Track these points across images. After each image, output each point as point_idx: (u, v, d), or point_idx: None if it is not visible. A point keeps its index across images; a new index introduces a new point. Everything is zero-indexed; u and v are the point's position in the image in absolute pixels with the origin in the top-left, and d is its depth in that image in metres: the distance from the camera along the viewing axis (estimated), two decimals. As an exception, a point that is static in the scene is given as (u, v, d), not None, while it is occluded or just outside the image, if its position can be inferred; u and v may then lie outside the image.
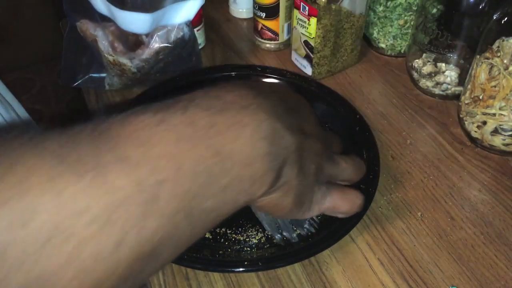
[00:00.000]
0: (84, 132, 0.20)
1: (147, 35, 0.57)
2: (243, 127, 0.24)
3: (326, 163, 0.34)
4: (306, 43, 0.63)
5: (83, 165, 0.19)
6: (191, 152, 0.22)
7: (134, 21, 0.56)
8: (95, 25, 0.58)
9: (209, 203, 0.23)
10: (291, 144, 0.28)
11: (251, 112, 0.25)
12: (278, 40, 0.72)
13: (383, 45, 0.70)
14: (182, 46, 0.59)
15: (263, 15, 0.69)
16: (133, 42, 0.59)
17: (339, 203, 0.35)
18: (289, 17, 0.70)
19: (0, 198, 0.17)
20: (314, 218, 0.45)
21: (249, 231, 0.47)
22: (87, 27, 0.59)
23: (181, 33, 0.57)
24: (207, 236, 0.46)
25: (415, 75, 0.64)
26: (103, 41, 0.58)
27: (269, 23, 0.70)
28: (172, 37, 0.57)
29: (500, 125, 0.52)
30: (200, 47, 0.73)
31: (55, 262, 0.17)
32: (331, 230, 0.45)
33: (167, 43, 0.57)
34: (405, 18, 0.66)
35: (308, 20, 0.60)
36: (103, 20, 0.58)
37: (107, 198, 0.19)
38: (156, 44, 0.56)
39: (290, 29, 0.71)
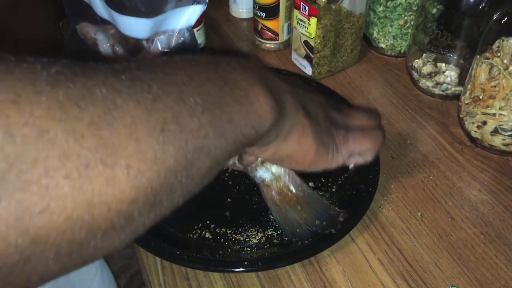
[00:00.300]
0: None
1: (147, 39, 0.57)
2: (236, 64, 0.28)
3: (333, 112, 0.35)
4: (306, 43, 0.63)
5: (118, 74, 0.21)
6: (201, 73, 0.25)
7: (135, 26, 0.56)
8: (96, 28, 0.58)
9: (228, 115, 0.25)
10: (283, 86, 0.30)
11: (239, 62, 0.28)
12: (278, 40, 0.72)
13: (383, 45, 0.70)
14: (183, 51, 0.59)
15: (263, 15, 0.69)
16: (133, 45, 0.59)
17: (362, 140, 0.36)
18: (289, 17, 0.70)
19: (67, 80, 0.19)
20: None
21: (249, 231, 0.47)
22: (88, 30, 0.58)
23: (182, 39, 0.57)
24: (207, 236, 0.46)
25: (415, 75, 0.64)
26: (103, 45, 0.58)
27: (269, 23, 0.70)
28: (173, 42, 0.57)
29: (500, 125, 0.52)
30: (200, 47, 0.73)
31: (116, 134, 0.19)
32: (331, 230, 0.45)
33: (168, 48, 0.57)
34: (405, 18, 0.66)
35: (308, 20, 0.60)
36: (104, 23, 0.58)
37: (144, 94, 0.21)
38: (156, 49, 0.56)
39: (290, 29, 0.71)
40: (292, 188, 0.48)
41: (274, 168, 0.48)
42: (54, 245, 0.18)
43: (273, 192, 0.47)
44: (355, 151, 0.36)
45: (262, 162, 0.49)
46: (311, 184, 0.51)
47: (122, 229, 0.21)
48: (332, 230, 0.44)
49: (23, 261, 0.18)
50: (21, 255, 0.17)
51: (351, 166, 0.38)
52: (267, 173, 0.48)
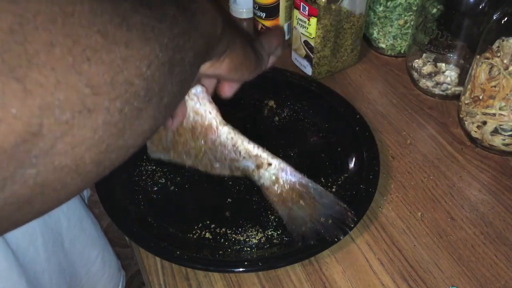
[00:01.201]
0: None
1: None
2: None
3: (248, 37, 0.41)
4: (306, 43, 0.63)
5: None
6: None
7: None
8: None
9: (190, 10, 0.26)
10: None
11: None
12: (278, 40, 0.72)
13: (383, 45, 0.70)
14: None
15: (263, 15, 0.69)
16: None
17: (271, 40, 0.43)
18: (289, 17, 0.70)
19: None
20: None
21: (249, 231, 0.47)
22: None
23: None
24: (207, 236, 0.46)
25: (415, 75, 0.64)
26: None
27: (269, 23, 0.70)
28: None
29: (500, 125, 0.52)
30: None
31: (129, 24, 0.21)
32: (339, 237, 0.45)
33: None
34: (405, 18, 0.66)
35: (308, 20, 0.60)
36: None
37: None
38: None
39: (290, 29, 0.71)
40: (294, 181, 0.46)
41: (272, 170, 0.48)
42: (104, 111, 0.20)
43: (275, 194, 0.47)
44: (271, 51, 0.43)
45: (258, 167, 0.48)
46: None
47: (144, 102, 0.22)
48: (341, 236, 0.44)
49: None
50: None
51: (270, 65, 0.44)
52: (266, 173, 0.48)
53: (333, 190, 0.50)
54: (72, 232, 0.57)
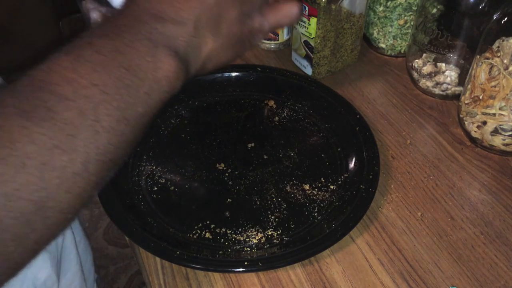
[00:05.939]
0: (24, 86, 0.25)
1: None
2: (139, 41, 0.28)
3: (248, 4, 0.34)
4: (306, 43, 0.63)
5: (33, 112, 0.24)
6: (107, 75, 0.26)
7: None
8: (96, 8, 0.57)
9: (140, 109, 0.28)
10: (184, 14, 0.30)
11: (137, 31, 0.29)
12: (278, 40, 0.72)
13: (383, 45, 0.70)
14: None
15: (263, 15, 0.69)
16: None
17: (276, 18, 0.35)
18: (289, 17, 0.70)
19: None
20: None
21: (249, 231, 0.47)
22: (88, 7, 0.57)
23: None
24: (207, 236, 0.46)
25: (415, 75, 0.64)
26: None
27: (269, 23, 0.70)
28: None
29: (500, 125, 0.52)
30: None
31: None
32: (331, 230, 0.45)
33: None
34: (405, 18, 0.66)
35: (308, 20, 0.60)
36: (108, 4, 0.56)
37: (59, 130, 0.24)
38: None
39: (290, 29, 0.71)
40: None
41: None
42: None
43: None
44: (273, 25, 0.36)
45: None
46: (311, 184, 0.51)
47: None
48: None
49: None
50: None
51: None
52: None
53: (333, 190, 0.50)
54: None
